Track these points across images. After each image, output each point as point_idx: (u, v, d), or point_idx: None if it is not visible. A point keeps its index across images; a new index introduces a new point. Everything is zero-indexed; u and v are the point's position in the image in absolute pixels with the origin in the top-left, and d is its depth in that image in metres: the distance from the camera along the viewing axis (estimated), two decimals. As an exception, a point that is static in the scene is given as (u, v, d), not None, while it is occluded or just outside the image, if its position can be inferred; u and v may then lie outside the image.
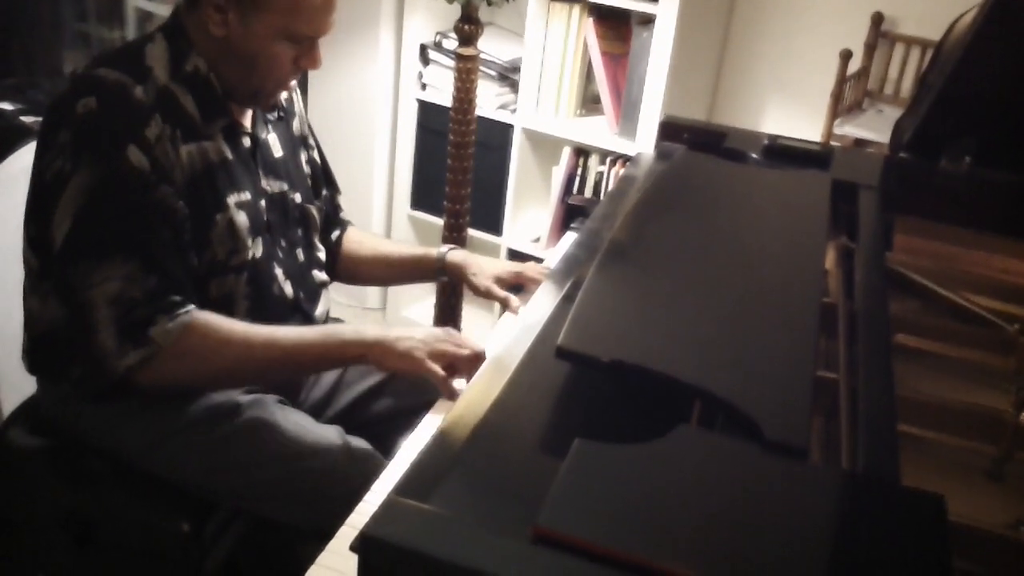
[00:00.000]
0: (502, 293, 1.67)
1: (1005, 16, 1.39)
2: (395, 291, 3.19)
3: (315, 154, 1.72)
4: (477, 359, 1.39)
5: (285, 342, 1.41)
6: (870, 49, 2.66)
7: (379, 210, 3.17)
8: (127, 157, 1.33)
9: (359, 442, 1.46)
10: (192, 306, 1.38)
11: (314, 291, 1.63)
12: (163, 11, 3.19)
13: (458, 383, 1.38)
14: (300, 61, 1.44)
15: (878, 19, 2.63)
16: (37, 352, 1.49)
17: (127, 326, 1.34)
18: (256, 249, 1.48)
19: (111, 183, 1.33)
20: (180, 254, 1.39)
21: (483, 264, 1.73)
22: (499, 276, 1.69)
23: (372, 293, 3.22)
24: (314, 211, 1.65)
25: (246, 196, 1.47)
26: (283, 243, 1.56)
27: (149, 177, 1.34)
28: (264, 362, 1.41)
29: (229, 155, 1.45)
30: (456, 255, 1.75)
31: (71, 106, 1.34)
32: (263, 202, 1.51)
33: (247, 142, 1.50)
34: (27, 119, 2.18)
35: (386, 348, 1.39)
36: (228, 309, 1.45)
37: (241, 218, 1.45)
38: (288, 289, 1.55)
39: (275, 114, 1.59)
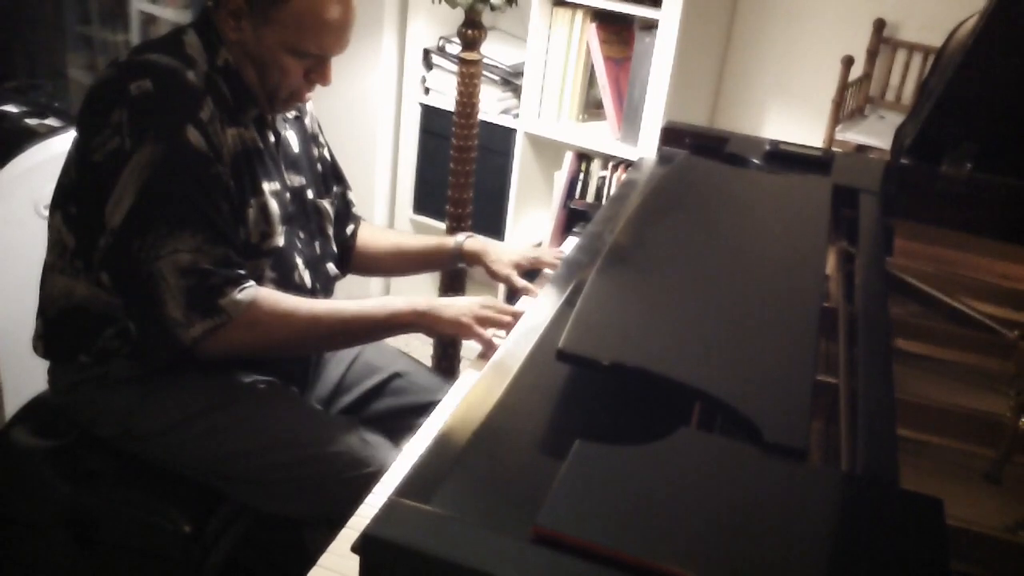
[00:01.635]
0: (522, 282, 1.72)
1: (1006, 22, 1.40)
2: (396, 287, 3.20)
3: (325, 151, 1.75)
4: (516, 322, 1.45)
5: (346, 313, 1.49)
6: (872, 55, 2.67)
7: (381, 214, 3.17)
8: (187, 136, 1.37)
9: (369, 432, 1.49)
10: (253, 280, 1.44)
11: (328, 282, 1.68)
12: (167, 14, 3.20)
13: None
14: (311, 75, 1.48)
15: (880, 25, 2.64)
16: (51, 334, 1.51)
17: (198, 296, 1.38)
18: (282, 238, 1.53)
19: (175, 158, 1.37)
20: (237, 229, 1.44)
21: (500, 250, 1.78)
22: (517, 263, 1.74)
23: (375, 290, 3.23)
24: (327, 205, 1.69)
25: (276, 185, 1.52)
26: (302, 234, 1.60)
27: (207, 155, 1.39)
28: (327, 332, 1.49)
29: (261, 145, 1.50)
30: (474, 242, 1.80)
31: (123, 88, 1.37)
32: (288, 194, 1.56)
33: (272, 136, 1.54)
34: (31, 121, 2.19)
35: (435, 316, 1.48)
36: None
37: (273, 205, 1.50)
38: (307, 278, 1.59)
39: (292, 112, 1.63)
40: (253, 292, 1.42)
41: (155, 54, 1.41)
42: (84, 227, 1.44)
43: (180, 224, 1.37)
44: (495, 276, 1.77)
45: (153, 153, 1.35)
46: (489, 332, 1.48)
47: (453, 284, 2.48)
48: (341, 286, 1.81)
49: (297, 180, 1.60)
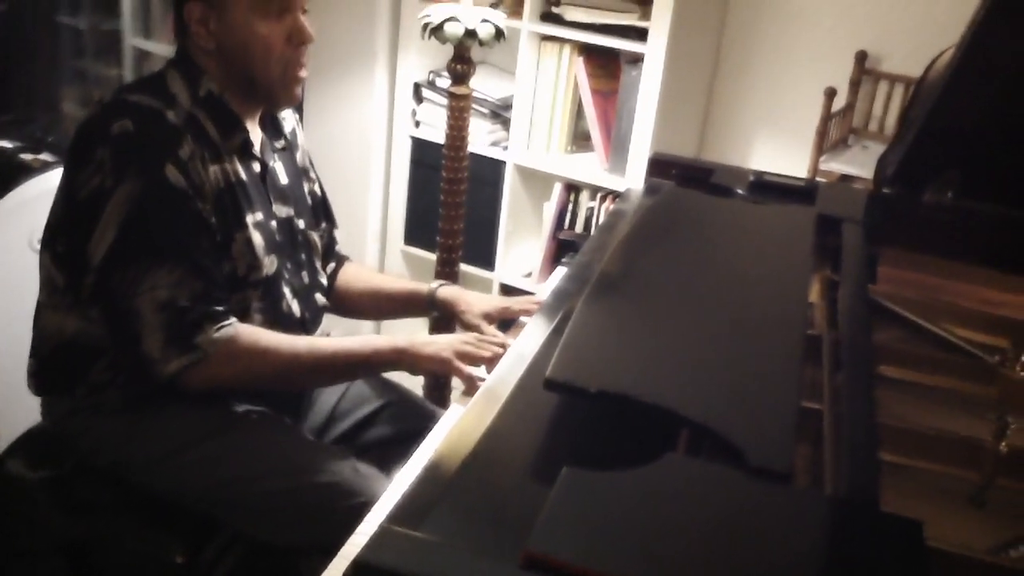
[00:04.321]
0: (491, 330, 1.69)
1: (982, 53, 1.43)
2: (386, 326, 3.20)
3: (316, 187, 1.77)
4: (500, 356, 1.44)
5: (327, 350, 1.50)
6: (854, 86, 2.71)
7: (373, 245, 3.19)
8: (166, 173, 1.39)
9: (363, 462, 1.50)
10: (234, 317, 1.44)
11: (316, 312, 1.69)
12: (160, 50, 3.23)
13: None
14: (292, 38, 1.49)
15: (862, 57, 2.68)
16: (44, 370, 1.52)
17: (175, 332, 1.39)
18: (270, 267, 1.54)
19: (154, 195, 1.39)
20: (219, 265, 1.45)
21: (471, 300, 1.75)
22: (487, 312, 1.71)
23: (366, 326, 3.23)
24: (316, 238, 1.71)
25: (259, 216, 1.53)
26: (289, 264, 1.61)
27: (187, 192, 1.41)
28: (308, 369, 1.49)
29: (244, 177, 1.52)
30: (447, 291, 1.78)
31: (105, 128, 1.40)
32: (273, 223, 1.57)
33: (256, 167, 1.56)
34: (26, 156, 2.20)
35: (415, 353, 1.48)
36: (244, 322, 1.49)
37: (257, 237, 1.52)
38: (295, 307, 1.61)
39: (281, 141, 1.64)
40: (233, 329, 1.43)
41: (137, 94, 1.44)
42: (71, 264, 1.45)
43: (159, 260, 1.39)
44: (465, 327, 1.74)
45: (133, 190, 1.38)
46: (472, 368, 1.47)
47: (439, 325, 2.47)
48: (339, 322, 1.82)
49: (285, 211, 1.61)
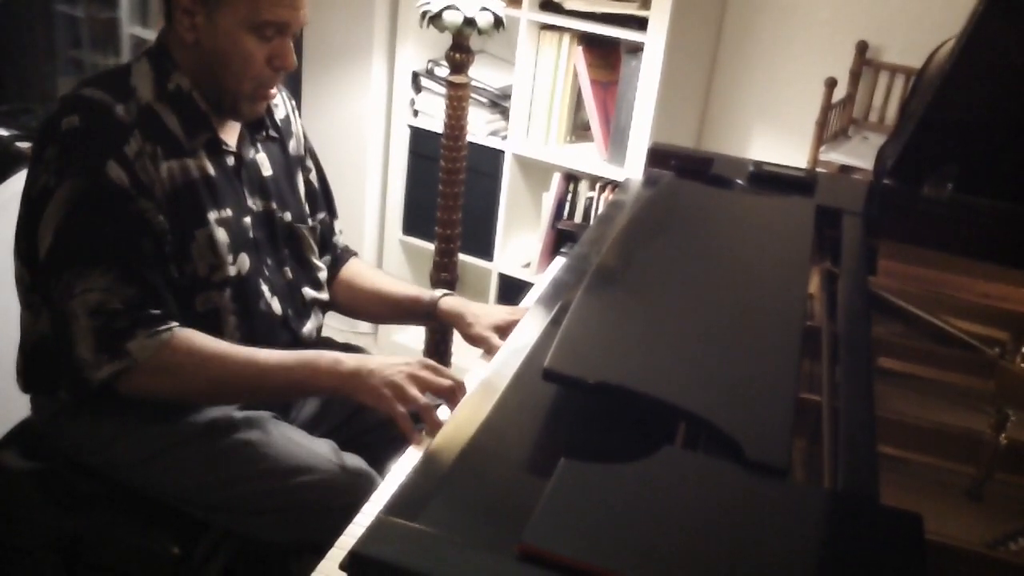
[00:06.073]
0: (500, 343, 1.56)
1: (983, 45, 1.42)
2: (384, 329, 3.20)
3: (312, 176, 1.72)
4: (454, 394, 1.37)
5: (264, 365, 1.41)
6: (855, 77, 2.70)
7: (371, 235, 3.19)
8: (106, 172, 1.36)
9: (352, 458, 1.48)
10: (174, 323, 1.39)
11: (304, 308, 1.64)
12: (157, 38, 3.21)
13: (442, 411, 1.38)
14: (273, 61, 1.45)
15: (863, 48, 2.67)
16: (29, 368, 1.51)
17: (105, 337, 1.36)
18: (241, 265, 1.50)
19: (91, 196, 1.36)
20: (161, 268, 1.41)
21: (478, 312, 1.65)
22: (498, 325, 1.61)
23: (363, 325, 3.23)
24: (305, 231, 1.65)
25: (227, 213, 1.49)
26: (269, 260, 1.57)
27: (128, 192, 1.37)
28: (241, 383, 1.42)
29: (212, 172, 1.48)
30: (450, 302, 1.69)
31: (57, 124, 1.39)
32: (248, 219, 1.53)
33: (231, 160, 1.52)
34: (22, 145, 2.20)
35: (358, 383, 1.37)
36: (216, 324, 1.47)
37: (221, 234, 1.47)
38: (275, 305, 1.56)
39: (264, 132, 1.60)
40: (166, 336, 1.37)
41: (91, 88, 1.41)
42: (32, 262, 1.43)
43: (93, 262, 1.35)
44: (471, 340, 1.63)
45: (72, 189, 1.36)
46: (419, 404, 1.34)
47: (440, 328, 2.43)
48: (335, 314, 1.78)
49: (263, 204, 1.57)
